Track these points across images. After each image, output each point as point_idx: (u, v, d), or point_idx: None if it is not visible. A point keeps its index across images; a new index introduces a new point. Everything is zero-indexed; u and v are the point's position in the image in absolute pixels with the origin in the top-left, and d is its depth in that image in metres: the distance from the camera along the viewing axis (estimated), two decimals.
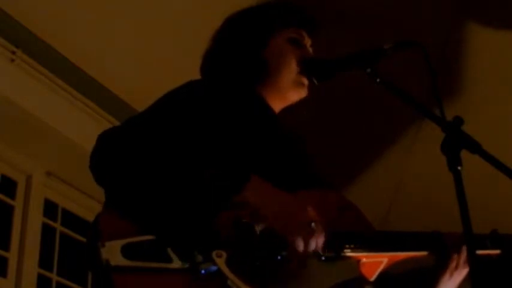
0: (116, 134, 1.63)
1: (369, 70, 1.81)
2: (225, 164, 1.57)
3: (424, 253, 1.87)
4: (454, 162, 1.50)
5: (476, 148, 1.55)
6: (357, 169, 4.83)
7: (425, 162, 4.32)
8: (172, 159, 1.56)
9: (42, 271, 3.60)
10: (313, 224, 1.55)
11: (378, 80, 1.79)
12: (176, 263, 1.47)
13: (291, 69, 1.95)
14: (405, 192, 4.90)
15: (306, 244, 1.56)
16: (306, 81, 1.96)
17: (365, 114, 4.32)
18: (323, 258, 1.62)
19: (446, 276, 1.90)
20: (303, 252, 1.56)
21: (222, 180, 1.54)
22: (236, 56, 1.98)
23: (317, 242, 1.57)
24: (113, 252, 1.45)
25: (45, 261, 3.63)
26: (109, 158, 1.58)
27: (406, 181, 4.86)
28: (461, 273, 1.91)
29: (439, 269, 1.90)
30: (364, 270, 1.71)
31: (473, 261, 1.45)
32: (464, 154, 1.53)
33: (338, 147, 4.42)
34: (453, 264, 1.89)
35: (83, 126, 3.63)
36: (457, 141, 1.54)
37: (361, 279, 1.70)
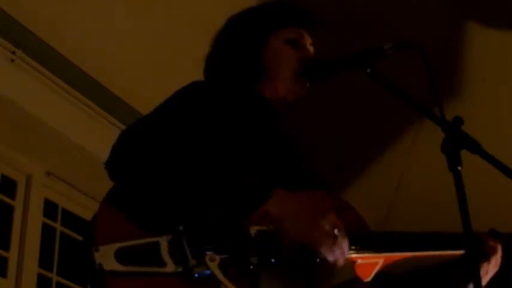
0: (132, 135, 1.63)
1: (368, 70, 1.80)
2: (249, 174, 1.59)
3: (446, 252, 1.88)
4: (454, 162, 1.50)
5: (476, 148, 1.55)
6: (357, 169, 4.83)
7: (426, 162, 4.31)
8: (187, 161, 1.56)
9: (42, 271, 3.59)
10: (336, 231, 1.57)
11: (377, 80, 1.79)
12: (170, 267, 1.46)
13: (287, 71, 1.95)
14: (405, 193, 4.90)
15: (334, 253, 1.58)
16: (303, 82, 1.96)
17: (365, 114, 4.32)
18: (318, 260, 1.60)
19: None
20: (333, 261, 1.58)
21: (249, 190, 1.56)
22: (235, 56, 1.98)
23: (343, 248, 1.59)
24: (106, 257, 1.44)
25: (45, 261, 3.62)
26: (125, 157, 1.58)
27: (406, 181, 4.85)
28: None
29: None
30: (359, 272, 1.71)
31: (473, 261, 1.46)
32: (464, 154, 1.53)
33: (338, 147, 4.42)
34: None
35: (83, 126, 3.63)
36: (457, 141, 1.54)
37: (357, 281, 1.70)
